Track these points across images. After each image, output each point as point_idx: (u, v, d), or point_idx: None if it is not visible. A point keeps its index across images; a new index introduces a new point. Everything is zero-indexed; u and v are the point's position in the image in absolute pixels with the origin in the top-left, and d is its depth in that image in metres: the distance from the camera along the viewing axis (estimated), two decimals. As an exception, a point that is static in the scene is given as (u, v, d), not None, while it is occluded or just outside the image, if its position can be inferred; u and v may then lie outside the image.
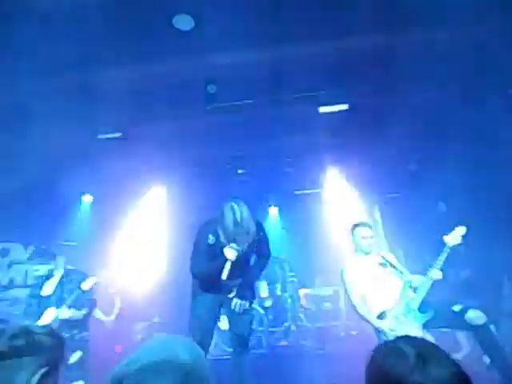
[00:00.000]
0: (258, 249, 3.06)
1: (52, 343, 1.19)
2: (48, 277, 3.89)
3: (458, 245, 5.30)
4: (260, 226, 3.04)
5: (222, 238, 2.79)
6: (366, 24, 3.61)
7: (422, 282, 3.11)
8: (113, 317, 5.69)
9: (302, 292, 6.78)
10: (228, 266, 2.76)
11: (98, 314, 5.56)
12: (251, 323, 3.09)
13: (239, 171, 6.47)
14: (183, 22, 3.48)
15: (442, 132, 5.36)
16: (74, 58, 3.73)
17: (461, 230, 3.20)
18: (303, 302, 6.71)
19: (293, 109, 4.91)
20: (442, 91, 4.61)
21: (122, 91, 4.29)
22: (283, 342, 5.92)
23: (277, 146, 6.02)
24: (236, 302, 2.91)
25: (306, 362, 5.11)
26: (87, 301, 3.84)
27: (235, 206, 2.77)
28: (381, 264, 3.40)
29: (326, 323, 6.34)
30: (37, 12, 3.18)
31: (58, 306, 3.61)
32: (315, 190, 7.33)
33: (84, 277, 3.79)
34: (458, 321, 3.03)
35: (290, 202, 7.35)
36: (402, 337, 1.00)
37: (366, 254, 3.49)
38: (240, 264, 2.88)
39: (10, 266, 6.12)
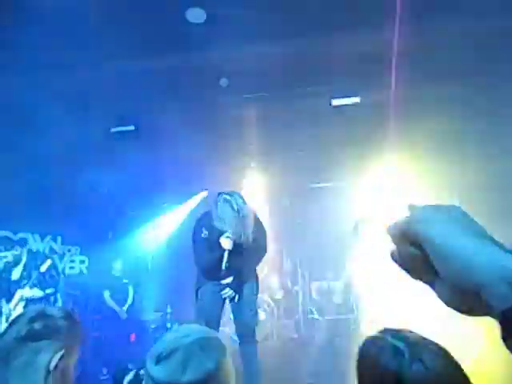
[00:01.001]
0: (255, 242, 3.06)
1: (68, 325, 1.20)
2: (16, 262, 4.17)
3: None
4: (257, 220, 3.08)
5: (223, 228, 2.83)
6: (377, 16, 3.56)
7: None
8: (126, 307, 5.81)
9: (314, 285, 6.80)
10: (226, 255, 2.84)
11: (111, 303, 5.69)
12: (256, 313, 3.15)
13: (252, 165, 6.48)
14: (196, 16, 3.48)
15: (455, 125, 5.27)
16: (87, 51, 3.77)
17: None
18: (314, 295, 6.73)
19: (305, 102, 4.89)
20: (454, 83, 4.52)
21: (134, 84, 4.32)
22: (294, 335, 5.96)
23: (290, 139, 6.01)
24: (227, 292, 2.98)
25: (315, 354, 5.15)
26: (49, 280, 4.13)
27: (229, 198, 2.83)
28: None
29: (337, 316, 6.36)
30: (49, 4, 3.22)
31: (23, 288, 3.96)
32: (329, 184, 7.30)
33: (43, 260, 4.05)
34: None
35: (303, 195, 7.34)
36: (388, 330, 0.97)
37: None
38: (239, 254, 2.95)
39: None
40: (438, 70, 4.14)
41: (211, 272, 3.03)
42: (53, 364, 1.12)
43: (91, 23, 3.40)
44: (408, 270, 0.46)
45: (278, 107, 4.93)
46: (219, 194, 2.94)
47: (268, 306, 6.02)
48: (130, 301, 5.90)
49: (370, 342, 0.97)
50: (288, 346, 5.67)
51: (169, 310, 6.54)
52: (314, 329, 6.06)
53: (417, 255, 0.43)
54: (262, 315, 5.87)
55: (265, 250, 3.20)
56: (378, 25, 3.68)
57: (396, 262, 0.47)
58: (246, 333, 3.03)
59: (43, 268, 4.06)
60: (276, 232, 7.21)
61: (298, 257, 6.59)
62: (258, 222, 3.08)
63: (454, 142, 5.51)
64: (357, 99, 4.68)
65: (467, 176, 5.85)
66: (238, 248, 2.94)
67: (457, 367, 0.89)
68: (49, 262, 4.11)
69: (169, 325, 6.38)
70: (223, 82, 4.38)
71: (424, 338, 0.94)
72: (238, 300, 3.05)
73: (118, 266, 6.08)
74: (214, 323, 2.97)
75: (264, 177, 6.66)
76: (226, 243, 2.85)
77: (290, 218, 7.46)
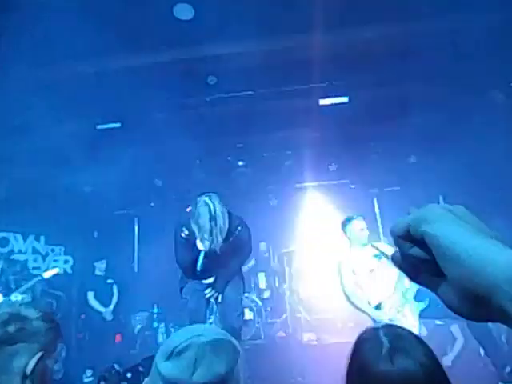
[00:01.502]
0: (237, 243, 3.05)
1: (45, 327, 1.17)
2: None
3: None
4: (240, 221, 3.06)
5: (197, 232, 2.81)
6: (366, 15, 3.59)
7: None
8: (111, 307, 5.71)
9: (301, 284, 6.82)
10: (201, 257, 2.85)
11: (95, 304, 5.60)
12: (241, 314, 3.13)
13: (239, 163, 6.47)
14: (183, 12, 3.44)
15: (442, 125, 5.36)
16: (74, 47, 3.70)
17: None
18: (302, 293, 6.75)
19: (293, 101, 4.90)
20: (442, 83, 4.59)
21: (121, 81, 4.26)
22: (281, 333, 5.97)
23: (277, 139, 6.01)
24: (209, 292, 2.99)
25: (303, 353, 5.16)
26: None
27: (208, 201, 2.80)
28: (375, 256, 3.42)
29: (324, 315, 6.39)
30: (35, 1, 3.15)
31: None
32: (315, 183, 7.34)
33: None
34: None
35: (289, 194, 7.36)
36: (387, 325, 1.03)
37: (364, 245, 3.51)
38: (217, 256, 2.94)
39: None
40: (427, 69, 4.19)
41: (190, 272, 3.05)
42: (29, 368, 1.08)
43: (78, 19, 3.33)
44: (409, 273, 0.44)
45: (265, 106, 4.92)
46: (200, 195, 2.91)
47: (255, 305, 6.02)
48: (115, 301, 5.81)
49: (365, 331, 1.03)
50: (275, 345, 5.67)
51: (155, 310, 6.48)
52: (301, 328, 6.08)
53: (421, 257, 0.41)
54: (249, 314, 5.86)
55: (249, 251, 3.18)
56: (366, 23, 3.71)
57: (397, 264, 0.45)
58: (232, 333, 3.02)
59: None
60: (264, 231, 7.22)
61: (286, 256, 6.60)
62: (241, 223, 3.06)
63: (441, 139, 5.60)
64: (345, 99, 4.71)
65: (455, 173, 5.94)
66: (216, 249, 2.92)
67: (432, 366, 0.90)
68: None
69: (155, 325, 6.32)
70: (211, 79, 4.35)
71: (412, 337, 0.97)
72: (223, 300, 3.06)
73: (102, 266, 5.98)
74: (199, 322, 2.96)
75: (251, 175, 6.64)
76: (202, 245, 2.86)
77: (277, 217, 7.46)
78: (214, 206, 2.78)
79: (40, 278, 3.88)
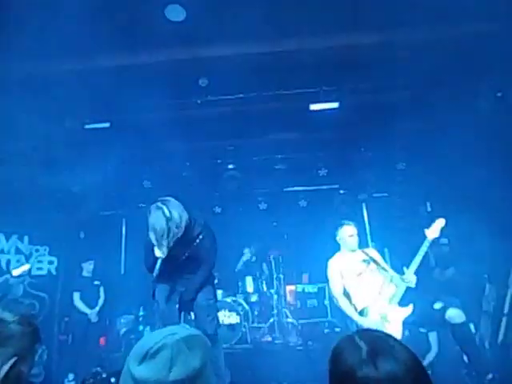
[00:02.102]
0: (199, 252, 2.97)
1: (22, 331, 1.14)
2: None
3: (443, 245, 5.40)
4: (203, 229, 2.96)
5: (153, 238, 2.72)
6: (356, 22, 3.63)
7: (400, 283, 3.17)
8: (97, 309, 5.62)
9: (288, 288, 6.82)
10: (158, 264, 2.78)
11: (81, 306, 5.50)
12: (215, 320, 3.09)
13: (229, 166, 6.45)
14: (175, 13, 3.43)
15: (430, 132, 5.43)
16: (64, 45, 3.65)
17: (440, 223, 3.23)
18: (289, 298, 6.75)
19: (284, 105, 4.92)
20: (430, 91, 4.66)
21: (111, 81, 4.22)
22: (268, 338, 5.95)
23: (267, 142, 6.02)
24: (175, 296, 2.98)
25: (289, 358, 5.15)
26: None
27: (161, 205, 2.70)
28: (364, 261, 3.45)
29: (311, 320, 6.39)
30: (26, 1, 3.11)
31: None
32: (305, 188, 7.36)
33: None
34: (438, 318, 3.09)
35: (279, 198, 7.36)
36: (361, 330, 1.03)
37: (353, 251, 3.56)
38: (179, 263, 2.93)
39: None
40: (418, 76, 4.25)
41: (154, 275, 2.98)
42: (2, 373, 1.05)
43: (69, 19, 3.30)
44: None
45: (256, 109, 4.93)
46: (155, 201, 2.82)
47: (242, 309, 5.99)
48: (101, 303, 5.72)
49: (340, 341, 1.01)
50: (262, 350, 5.65)
51: (141, 313, 6.39)
52: (288, 332, 6.07)
53: None
54: (236, 318, 5.83)
55: (212, 261, 3.07)
56: (357, 30, 3.75)
57: None
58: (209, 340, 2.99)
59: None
60: (253, 235, 7.22)
61: (274, 260, 6.59)
62: (203, 231, 2.96)
63: (429, 147, 5.67)
64: (335, 104, 4.73)
65: (442, 180, 6.01)
66: (176, 257, 2.88)
67: (415, 364, 0.90)
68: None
69: (141, 328, 6.23)
70: (202, 81, 4.34)
71: (391, 341, 0.96)
72: (194, 306, 3.04)
73: (90, 267, 5.89)
74: (171, 324, 2.92)
75: (241, 179, 6.63)
76: (158, 252, 2.76)
77: (266, 220, 7.47)
78: (168, 209, 2.66)
79: (9, 276, 3.68)
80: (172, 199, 2.77)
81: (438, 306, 3.15)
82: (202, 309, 3.02)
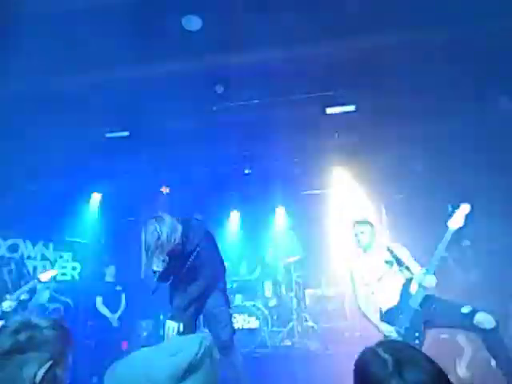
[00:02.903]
0: (197, 265, 2.95)
1: (55, 335, 1.16)
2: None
3: (466, 247, 5.27)
4: (200, 241, 2.93)
5: (143, 253, 2.74)
6: (373, 25, 3.61)
7: (420, 284, 3.08)
8: (118, 313, 5.73)
9: (307, 292, 6.78)
10: (156, 276, 2.83)
11: (103, 310, 5.63)
12: (228, 326, 3.06)
13: (246, 171, 6.49)
14: (191, 23, 3.50)
15: (449, 134, 5.34)
16: (84, 57, 3.78)
17: (464, 210, 3.08)
18: (308, 302, 6.71)
19: (300, 109, 4.93)
20: (449, 92, 4.58)
21: (130, 91, 4.34)
22: (287, 342, 5.92)
23: (284, 147, 6.04)
24: (169, 324, 2.90)
25: (310, 363, 5.11)
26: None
27: (154, 222, 2.70)
28: (387, 262, 3.33)
29: (331, 323, 6.33)
30: (46, 12, 3.23)
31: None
32: (322, 191, 7.33)
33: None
34: (467, 323, 2.95)
35: (296, 202, 7.36)
36: (383, 341, 1.03)
37: (367, 250, 3.47)
38: (177, 276, 2.97)
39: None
40: (432, 78, 4.19)
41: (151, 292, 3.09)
42: (39, 377, 1.08)
43: (88, 30, 3.41)
44: None
45: (272, 114, 4.96)
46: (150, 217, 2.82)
47: (261, 314, 5.98)
48: (122, 307, 5.83)
49: (364, 353, 1.02)
50: (281, 354, 5.63)
51: (162, 317, 6.48)
52: (307, 336, 6.03)
53: None
54: (255, 323, 5.83)
55: (204, 281, 2.99)
56: (373, 33, 3.73)
57: None
58: (221, 345, 2.98)
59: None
60: (271, 239, 7.23)
61: (292, 263, 6.57)
62: (201, 243, 2.94)
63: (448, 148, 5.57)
64: (352, 107, 4.72)
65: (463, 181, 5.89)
66: (175, 270, 2.93)
67: (439, 372, 0.90)
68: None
69: (161, 332, 6.31)
70: (218, 88, 4.40)
71: (414, 351, 0.97)
72: (205, 315, 3.06)
73: (111, 273, 6.02)
74: (187, 328, 2.92)
75: (258, 183, 6.66)
76: (155, 265, 2.79)
77: (283, 225, 7.46)
78: (159, 227, 2.66)
79: (36, 280, 3.78)
80: (166, 216, 2.77)
81: (466, 309, 2.97)
82: (212, 316, 3.03)
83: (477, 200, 5.48)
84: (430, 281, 3.03)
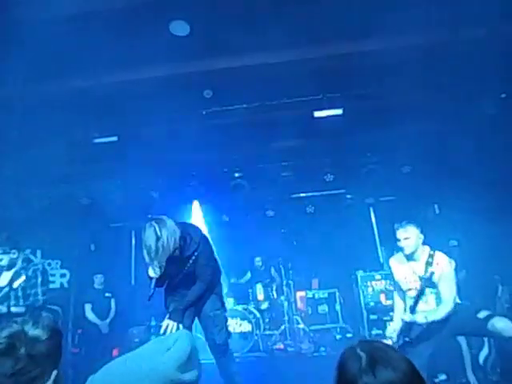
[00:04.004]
0: (195, 270, 2.95)
1: (56, 345, 1.12)
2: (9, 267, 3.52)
3: (453, 247, 5.36)
4: (198, 246, 2.92)
5: (146, 257, 2.70)
6: (357, 29, 3.68)
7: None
8: (108, 320, 5.67)
9: (298, 295, 6.81)
10: (153, 284, 2.78)
11: (92, 317, 5.56)
12: (223, 330, 3.07)
13: (236, 175, 6.51)
14: (179, 28, 3.52)
15: (435, 135, 5.44)
16: (72, 63, 3.76)
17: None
18: (299, 304, 6.73)
19: (288, 113, 4.97)
20: (434, 94, 4.68)
21: (118, 96, 4.32)
22: (279, 345, 5.93)
23: (273, 150, 6.08)
24: (167, 323, 2.88)
25: (302, 365, 5.13)
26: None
27: (154, 223, 2.68)
28: (420, 278, 3.09)
29: (322, 326, 6.37)
30: (34, 18, 3.21)
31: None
32: (311, 194, 7.39)
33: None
34: (482, 328, 2.85)
35: (286, 205, 7.39)
36: (362, 341, 1.08)
37: (411, 258, 3.18)
38: (174, 281, 2.96)
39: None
40: (421, 81, 4.28)
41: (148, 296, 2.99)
42: None
43: (76, 36, 3.40)
44: None
45: (260, 118, 4.99)
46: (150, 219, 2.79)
47: (254, 317, 5.99)
48: (112, 314, 5.77)
49: (344, 351, 1.09)
50: (274, 357, 5.64)
51: (153, 323, 6.42)
52: (299, 339, 6.05)
53: None
54: (247, 326, 5.83)
55: (203, 283, 2.99)
56: (358, 37, 3.80)
57: None
58: (217, 348, 3.02)
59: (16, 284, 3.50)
60: (261, 242, 7.23)
61: (283, 266, 6.60)
62: (198, 248, 2.92)
63: (434, 149, 5.67)
64: (339, 111, 4.78)
65: (449, 182, 6.00)
66: (172, 274, 2.92)
67: (411, 380, 0.94)
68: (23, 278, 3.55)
69: (153, 338, 6.26)
70: (207, 93, 4.42)
71: (390, 351, 1.02)
72: (201, 318, 3.05)
73: (100, 279, 5.96)
74: (186, 329, 2.92)
75: (248, 187, 6.67)
76: (151, 272, 2.77)
77: (274, 227, 7.48)
78: (159, 228, 2.65)
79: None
80: (165, 219, 2.76)
81: (482, 315, 2.86)
82: (209, 319, 3.02)
83: (461, 200, 5.63)
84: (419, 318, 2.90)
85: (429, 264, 3.03)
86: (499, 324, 2.77)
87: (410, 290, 3.14)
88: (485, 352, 3.83)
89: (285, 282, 6.44)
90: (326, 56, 4.03)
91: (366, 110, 5.00)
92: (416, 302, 3.03)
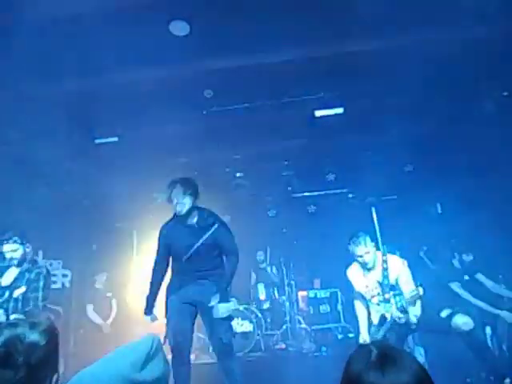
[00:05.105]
0: (218, 244, 3.05)
1: (55, 349, 1.11)
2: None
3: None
4: (215, 219, 3.10)
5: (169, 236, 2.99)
6: (359, 28, 3.65)
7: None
8: (110, 320, 5.68)
9: (300, 294, 6.80)
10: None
11: (95, 317, 5.57)
12: (230, 330, 3.04)
13: (237, 174, 6.50)
14: (179, 28, 3.51)
15: (437, 133, 5.42)
16: (72, 63, 3.76)
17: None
18: (301, 304, 6.73)
19: (289, 112, 4.96)
20: (437, 93, 4.65)
21: (119, 96, 4.32)
22: (281, 345, 5.93)
23: (274, 150, 6.06)
24: (221, 307, 2.89)
25: (304, 365, 5.13)
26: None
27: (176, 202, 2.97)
28: (379, 283, 3.21)
29: (324, 325, 6.36)
30: (35, 18, 3.21)
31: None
32: (312, 193, 7.37)
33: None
34: (445, 326, 2.99)
35: (288, 204, 7.38)
36: (378, 340, 1.05)
37: (368, 270, 3.28)
38: (198, 257, 2.98)
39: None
40: (422, 80, 4.25)
41: (174, 282, 3.13)
42: None
43: (75, 36, 3.40)
44: None
45: (261, 118, 4.97)
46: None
47: (255, 317, 5.99)
48: (113, 314, 5.78)
49: (356, 348, 1.03)
50: (276, 357, 5.63)
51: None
52: (301, 339, 6.04)
53: None
54: (249, 326, 5.83)
55: (234, 255, 3.12)
56: (360, 36, 3.78)
57: None
58: (221, 349, 2.97)
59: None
60: (262, 242, 7.23)
61: (285, 266, 6.59)
62: (216, 221, 3.11)
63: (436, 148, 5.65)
64: (340, 110, 4.76)
65: (451, 180, 5.98)
66: (194, 254, 3.04)
67: (425, 377, 0.90)
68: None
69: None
70: (207, 93, 4.41)
71: (403, 353, 0.96)
72: (205, 315, 3.00)
73: (103, 279, 5.97)
74: (184, 339, 2.89)
75: (250, 186, 6.67)
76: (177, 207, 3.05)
77: (275, 227, 7.48)
78: (180, 208, 2.98)
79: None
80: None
81: (444, 313, 3.03)
82: (215, 319, 2.95)
83: (464, 200, 5.60)
84: (416, 293, 2.99)
85: (385, 270, 3.15)
86: (459, 320, 2.92)
87: (373, 297, 3.24)
88: None
89: (286, 282, 6.44)
90: (326, 55, 4.00)
91: (367, 109, 4.98)
92: (385, 311, 3.14)
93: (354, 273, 3.40)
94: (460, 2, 3.25)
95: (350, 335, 6.10)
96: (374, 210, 7.38)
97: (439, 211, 6.76)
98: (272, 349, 5.85)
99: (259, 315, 6.11)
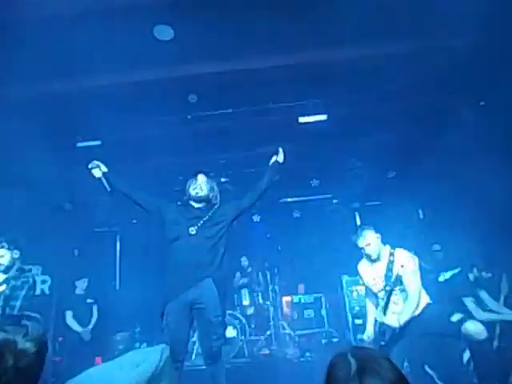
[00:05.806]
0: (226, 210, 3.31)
1: (44, 357, 1.11)
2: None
3: (436, 251, 5.43)
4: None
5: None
6: (343, 35, 3.72)
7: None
8: (90, 327, 5.55)
9: (284, 299, 6.81)
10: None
11: (73, 324, 5.44)
12: (221, 338, 3.00)
13: (222, 180, 6.49)
14: (163, 33, 3.51)
15: (418, 140, 5.53)
16: (55, 66, 3.71)
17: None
18: (285, 309, 6.73)
19: (273, 118, 4.99)
20: (417, 101, 4.76)
21: (102, 99, 4.27)
22: (265, 351, 5.91)
23: (259, 155, 6.07)
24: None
25: (288, 370, 5.11)
26: None
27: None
28: (387, 276, 3.17)
29: (308, 330, 6.37)
30: (16, 21, 3.16)
31: None
32: (297, 198, 7.42)
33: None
34: (456, 331, 2.89)
35: (273, 210, 7.40)
36: (354, 347, 1.07)
37: (374, 261, 3.29)
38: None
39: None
40: (404, 88, 4.35)
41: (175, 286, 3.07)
42: None
43: (58, 40, 3.35)
44: None
45: (246, 123, 4.99)
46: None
47: (239, 323, 5.96)
48: (94, 321, 5.65)
49: (334, 356, 1.06)
50: (260, 363, 5.60)
51: (137, 329, 6.33)
52: (285, 344, 6.04)
53: None
54: (233, 332, 5.80)
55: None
56: (343, 43, 3.84)
57: None
58: (211, 354, 2.94)
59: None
60: (247, 247, 7.22)
61: (269, 271, 6.59)
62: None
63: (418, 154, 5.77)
64: (323, 116, 4.82)
65: (433, 187, 6.09)
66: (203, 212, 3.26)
67: None
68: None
69: (137, 344, 6.16)
70: (192, 97, 4.41)
71: (381, 359, 1.00)
72: (200, 321, 2.96)
73: (84, 285, 5.84)
74: (181, 344, 2.86)
75: (234, 191, 6.66)
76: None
77: (260, 232, 7.48)
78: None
79: None
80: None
81: (455, 318, 2.89)
82: (210, 325, 2.91)
83: (445, 205, 5.72)
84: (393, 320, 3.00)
85: (390, 262, 3.13)
86: (471, 327, 2.81)
87: (380, 291, 3.23)
88: (467, 354, 3.88)
89: (271, 287, 6.44)
90: (310, 62, 4.06)
91: (351, 116, 5.06)
92: (386, 304, 3.12)
93: (362, 266, 3.42)
94: (436, 15, 3.35)
95: (334, 340, 6.13)
96: (357, 215, 7.47)
97: (421, 217, 6.88)
98: (256, 354, 5.82)
99: (243, 321, 6.08)
